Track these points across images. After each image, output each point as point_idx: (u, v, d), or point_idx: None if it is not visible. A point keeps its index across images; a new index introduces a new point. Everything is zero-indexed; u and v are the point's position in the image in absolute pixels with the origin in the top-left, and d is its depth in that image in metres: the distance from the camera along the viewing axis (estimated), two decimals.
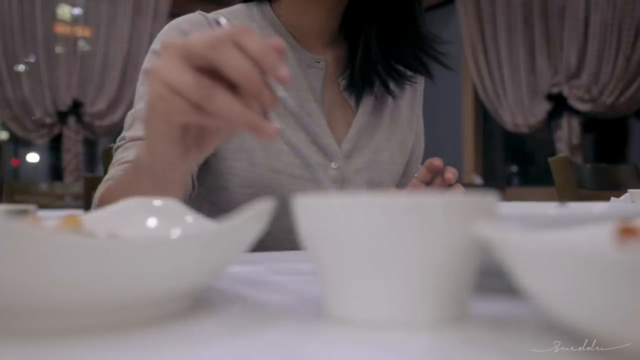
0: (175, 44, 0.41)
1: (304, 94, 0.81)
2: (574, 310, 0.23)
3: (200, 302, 0.34)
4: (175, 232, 0.39)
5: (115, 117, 3.45)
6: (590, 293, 0.21)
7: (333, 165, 0.81)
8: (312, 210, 0.29)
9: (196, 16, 0.81)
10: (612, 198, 0.92)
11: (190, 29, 0.78)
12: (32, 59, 3.29)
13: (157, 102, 0.42)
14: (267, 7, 0.84)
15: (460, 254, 0.28)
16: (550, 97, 3.10)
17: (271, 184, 0.78)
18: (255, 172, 0.77)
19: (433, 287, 0.28)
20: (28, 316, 0.27)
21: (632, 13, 2.78)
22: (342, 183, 0.81)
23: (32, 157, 3.93)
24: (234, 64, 0.39)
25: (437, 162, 0.72)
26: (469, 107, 3.74)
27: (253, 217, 0.31)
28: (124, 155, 0.71)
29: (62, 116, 3.35)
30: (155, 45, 0.79)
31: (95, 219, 0.39)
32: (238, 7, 0.85)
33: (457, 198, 0.28)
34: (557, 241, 0.29)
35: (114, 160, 0.72)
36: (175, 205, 0.41)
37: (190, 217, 0.40)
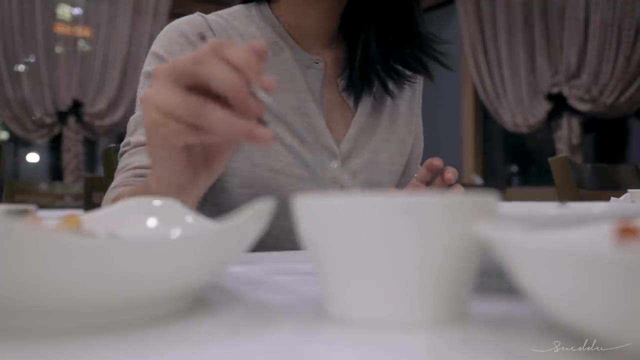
0: (163, 68, 0.42)
1: (303, 95, 0.81)
2: (574, 310, 0.23)
3: (200, 302, 0.34)
4: (175, 232, 0.39)
5: (115, 117, 3.45)
6: (590, 293, 0.21)
7: (332, 165, 0.81)
8: (312, 210, 0.29)
9: (195, 17, 0.81)
10: (612, 198, 0.92)
11: (190, 30, 0.78)
12: (32, 59, 3.29)
13: (154, 129, 0.43)
14: (266, 8, 0.84)
15: (460, 254, 0.28)
16: (550, 97, 3.10)
17: (271, 184, 0.78)
18: (255, 172, 0.77)
19: (433, 287, 0.28)
20: (28, 316, 0.27)
21: (632, 13, 2.78)
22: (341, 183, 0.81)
23: (32, 157, 3.93)
24: (219, 77, 0.40)
25: (437, 162, 0.72)
26: (469, 107, 3.75)
27: (253, 217, 0.31)
28: (131, 161, 0.71)
29: (62, 116, 3.35)
30: (155, 47, 0.79)
31: (95, 219, 0.39)
32: (237, 8, 0.85)
33: (457, 198, 0.28)
34: (557, 241, 0.29)
35: (120, 167, 0.72)
36: (175, 205, 0.41)
37: (190, 217, 0.40)
